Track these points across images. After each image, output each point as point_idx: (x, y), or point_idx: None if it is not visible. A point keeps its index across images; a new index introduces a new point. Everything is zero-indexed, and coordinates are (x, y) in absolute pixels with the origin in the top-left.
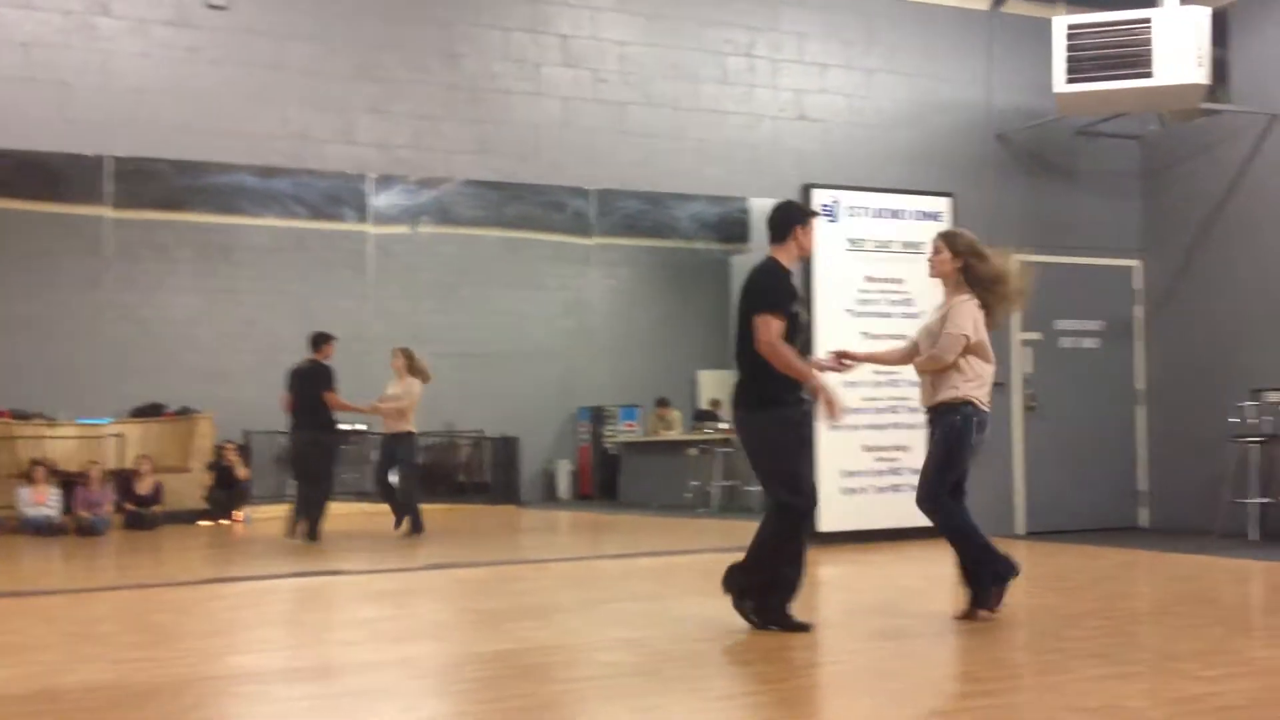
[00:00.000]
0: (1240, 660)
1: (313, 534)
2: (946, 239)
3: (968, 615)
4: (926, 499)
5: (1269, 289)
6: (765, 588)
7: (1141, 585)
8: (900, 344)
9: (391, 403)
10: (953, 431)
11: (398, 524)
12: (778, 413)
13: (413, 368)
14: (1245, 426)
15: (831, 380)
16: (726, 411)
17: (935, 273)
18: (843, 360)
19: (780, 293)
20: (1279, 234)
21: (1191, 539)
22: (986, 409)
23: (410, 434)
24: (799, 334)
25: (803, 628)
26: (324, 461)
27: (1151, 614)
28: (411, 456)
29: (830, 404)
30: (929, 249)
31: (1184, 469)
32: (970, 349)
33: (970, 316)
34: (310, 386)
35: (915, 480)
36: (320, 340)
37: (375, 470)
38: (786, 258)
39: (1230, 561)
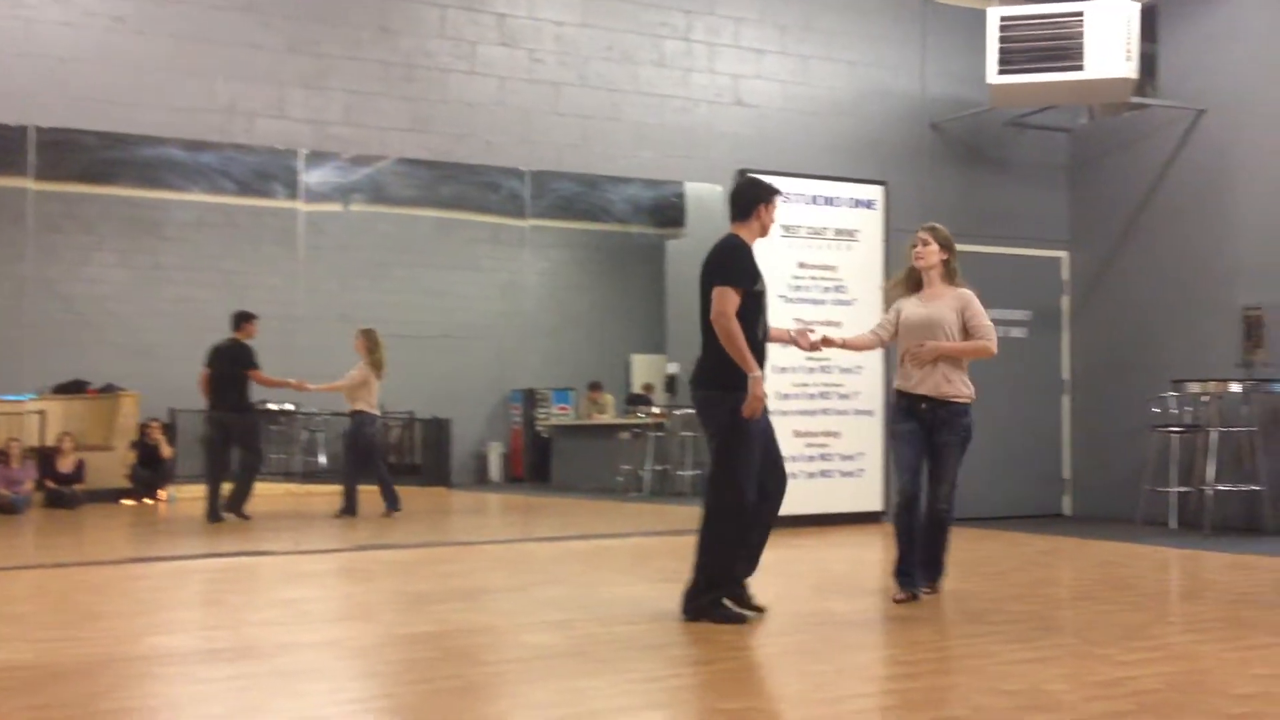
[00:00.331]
0: (1158, 645)
1: (235, 511)
2: (933, 232)
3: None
4: (951, 499)
5: (1191, 282)
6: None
7: (1064, 572)
8: (866, 332)
9: (331, 384)
10: (968, 433)
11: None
12: (731, 395)
13: (371, 350)
14: (1166, 417)
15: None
16: (661, 397)
17: (924, 264)
18: (815, 344)
19: (740, 267)
20: (1202, 228)
21: (1113, 526)
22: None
23: (356, 414)
24: (762, 313)
25: (740, 619)
26: (247, 440)
27: (1073, 600)
28: (354, 437)
29: (755, 400)
30: (915, 239)
31: (1107, 458)
32: None
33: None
34: (229, 365)
35: (845, 466)
36: (242, 319)
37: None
38: (749, 235)
39: (1150, 549)
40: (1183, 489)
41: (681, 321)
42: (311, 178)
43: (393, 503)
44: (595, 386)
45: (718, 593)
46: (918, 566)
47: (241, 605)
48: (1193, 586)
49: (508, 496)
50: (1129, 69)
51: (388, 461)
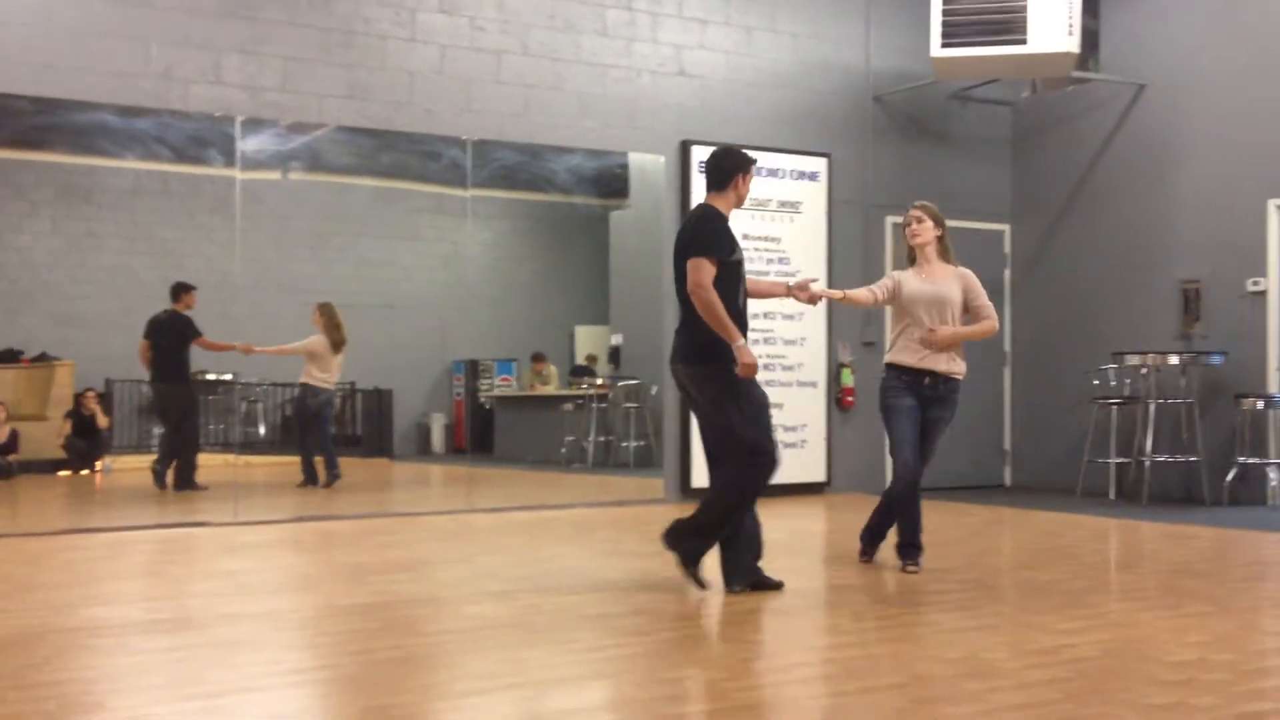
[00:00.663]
0: (1095, 614)
1: (187, 483)
2: (925, 209)
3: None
4: (921, 472)
5: (1130, 256)
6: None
7: (1004, 541)
8: (865, 289)
9: (279, 348)
10: (956, 408)
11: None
12: (725, 367)
13: (327, 325)
14: (1106, 389)
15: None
16: (604, 368)
17: (920, 241)
18: (816, 296)
19: (715, 237)
20: (1141, 202)
21: (1054, 497)
22: None
23: (303, 385)
24: (740, 282)
25: (701, 583)
26: (187, 410)
27: (1013, 569)
28: (299, 407)
29: (749, 366)
30: (909, 218)
31: (1047, 429)
32: None
33: None
34: (167, 337)
35: (788, 438)
36: (180, 290)
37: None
38: (724, 205)
39: (1089, 519)
40: (1122, 460)
41: (625, 293)
42: (248, 145)
43: (333, 471)
44: (538, 358)
45: (704, 542)
46: (904, 548)
47: (180, 576)
48: (1131, 556)
49: (450, 468)
50: (1071, 43)
51: (330, 435)
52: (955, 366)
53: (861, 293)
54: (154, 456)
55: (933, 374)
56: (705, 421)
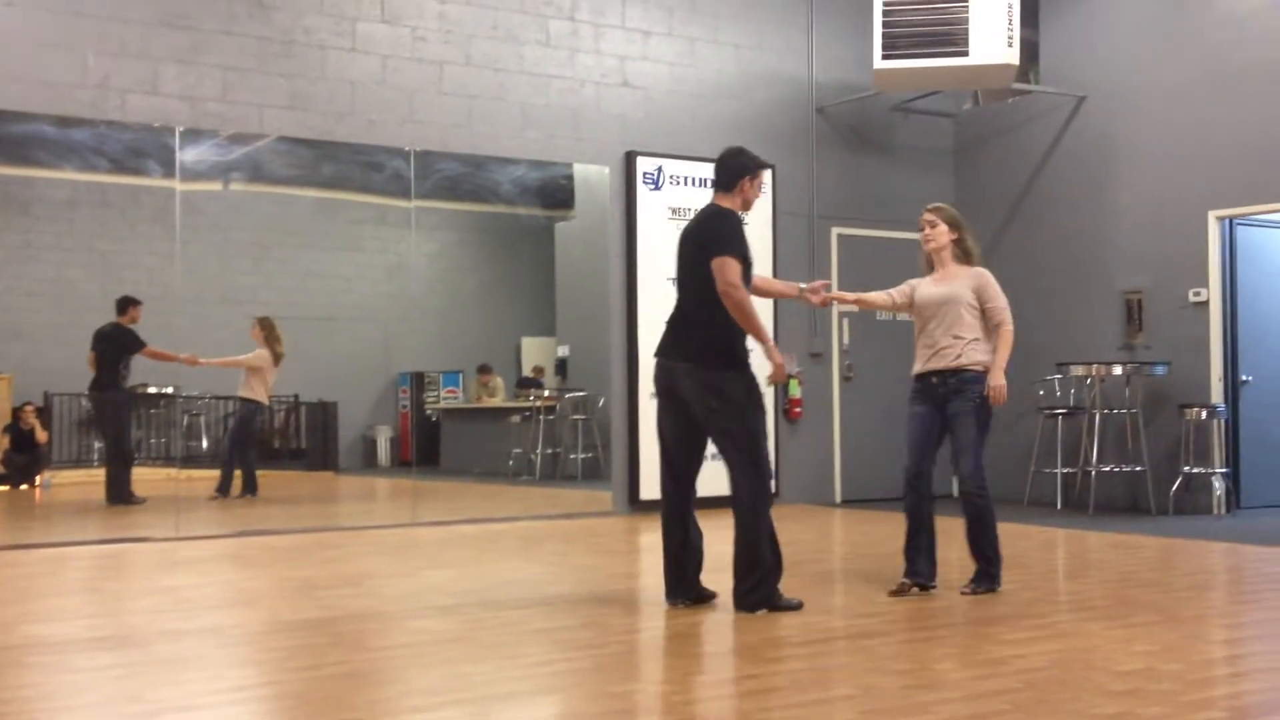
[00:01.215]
0: (1044, 624)
1: (121, 497)
2: (939, 211)
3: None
4: (979, 478)
5: (1073, 267)
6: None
7: (951, 552)
8: (882, 293)
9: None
10: (985, 401)
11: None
12: (745, 373)
13: (269, 339)
14: (1051, 399)
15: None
16: (551, 380)
17: (933, 246)
18: (828, 299)
19: (738, 236)
20: (1084, 213)
21: (1000, 507)
22: None
23: (248, 400)
24: (748, 284)
25: (794, 605)
26: (118, 423)
27: (961, 580)
28: (237, 420)
29: (779, 368)
30: (921, 222)
31: (994, 439)
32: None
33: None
34: (107, 349)
35: None
36: (126, 304)
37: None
38: (731, 208)
39: (1036, 529)
40: (1068, 470)
41: (571, 304)
42: (187, 156)
43: (254, 486)
44: (485, 369)
45: (777, 576)
46: (923, 556)
47: (120, 592)
48: (1078, 566)
49: (396, 481)
50: (1011, 55)
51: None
52: (963, 360)
53: (878, 296)
54: (95, 470)
55: (938, 372)
56: (714, 429)
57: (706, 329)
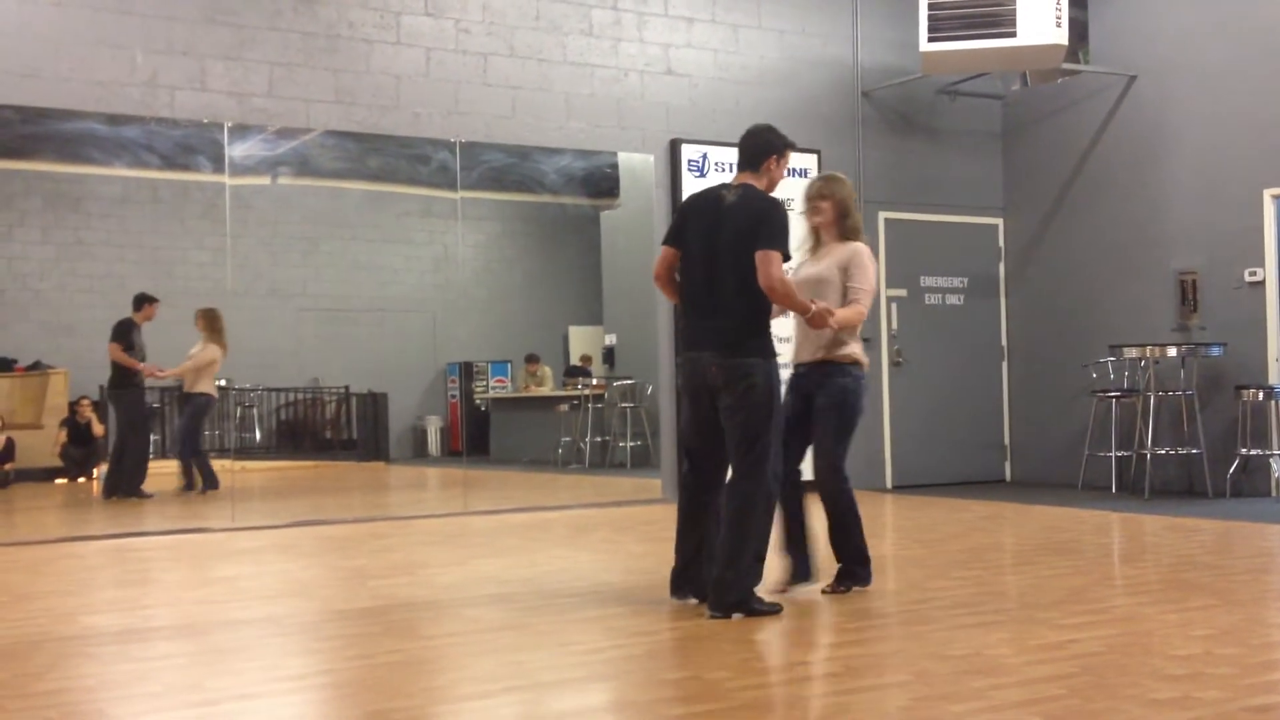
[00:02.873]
0: (1099, 609)
1: (116, 489)
2: (830, 182)
3: (838, 589)
4: (833, 471)
5: (1126, 247)
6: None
7: (1005, 537)
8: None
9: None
10: (849, 394)
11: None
12: (773, 363)
13: (215, 329)
14: (1104, 381)
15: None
16: (599, 368)
17: (818, 222)
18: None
19: (785, 230)
20: (1135, 193)
21: (1054, 491)
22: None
23: (192, 395)
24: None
25: (774, 609)
26: (129, 417)
27: (1015, 565)
28: (188, 415)
29: (820, 312)
30: (807, 193)
31: (1047, 423)
32: None
33: (873, 265)
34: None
35: None
36: (140, 301)
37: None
38: (762, 188)
39: (1091, 513)
40: (1122, 453)
41: (618, 293)
42: (236, 151)
43: (210, 481)
44: (532, 359)
45: (754, 580)
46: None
47: (178, 583)
48: (1134, 550)
49: (446, 470)
50: (1060, 35)
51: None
52: (807, 350)
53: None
54: (153, 462)
55: (806, 364)
56: (740, 421)
57: (743, 318)
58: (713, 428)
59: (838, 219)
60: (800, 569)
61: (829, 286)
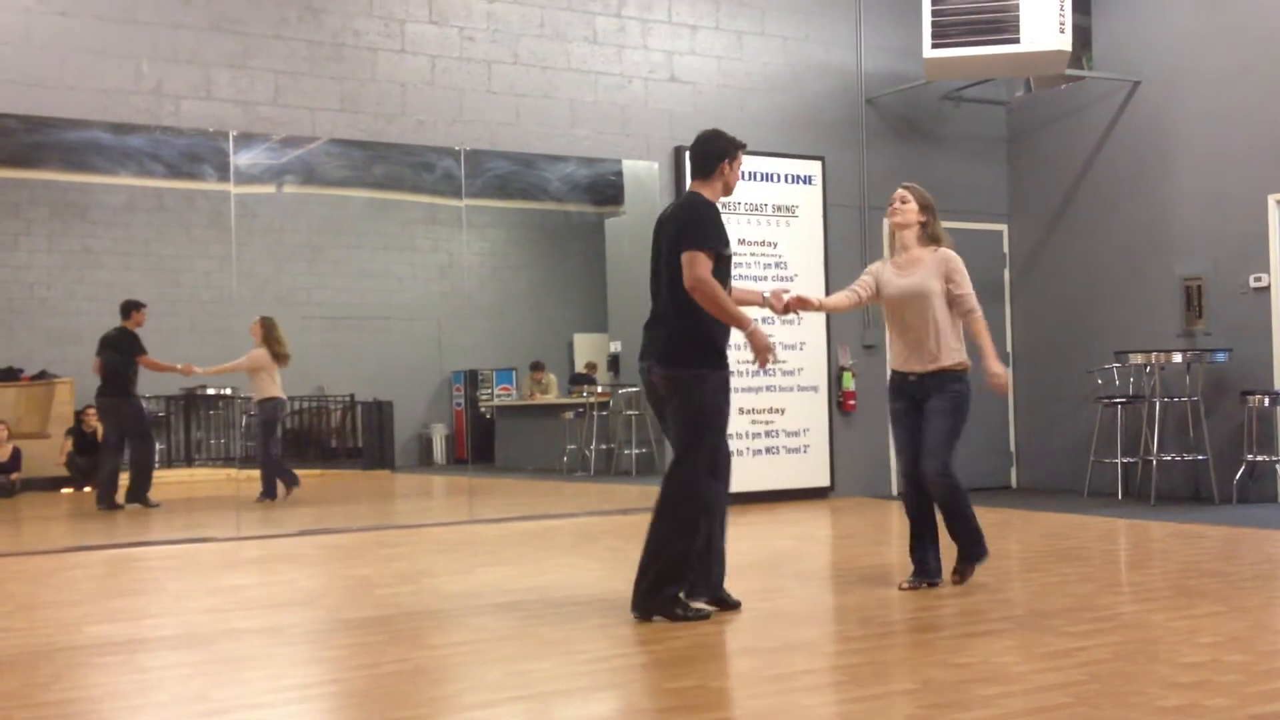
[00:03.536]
0: (1106, 616)
1: (140, 499)
2: (913, 191)
3: (961, 576)
4: (944, 471)
5: (1131, 253)
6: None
7: (1012, 544)
8: (843, 291)
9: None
10: (962, 399)
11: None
12: (720, 375)
13: (267, 338)
14: (1110, 388)
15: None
16: (604, 376)
17: (898, 221)
18: (790, 305)
19: (712, 228)
20: (1140, 199)
21: (1060, 498)
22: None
23: (263, 400)
24: (729, 279)
25: (702, 615)
26: (135, 426)
27: (1021, 572)
28: (259, 423)
29: (764, 349)
30: (893, 196)
31: (1052, 430)
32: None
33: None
34: (112, 353)
35: (790, 443)
36: (131, 308)
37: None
38: (711, 194)
39: (1097, 520)
40: (1128, 459)
41: (623, 300)
42: (241, 160)
43: (291, 481)
44: (537, 366)
45: (675, 587)
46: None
47: (184, 592)
48: (1140, 556)
49: (452, 478)
50: (1063, 41)
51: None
52: (940, 363)
53: (840, 298)
54: (158, 472)
55: (917, 373)
56: (676, 426)
57: (677, 324)
58: None
59: (920, 223)
60: (927, 568)
61: (934, 298)
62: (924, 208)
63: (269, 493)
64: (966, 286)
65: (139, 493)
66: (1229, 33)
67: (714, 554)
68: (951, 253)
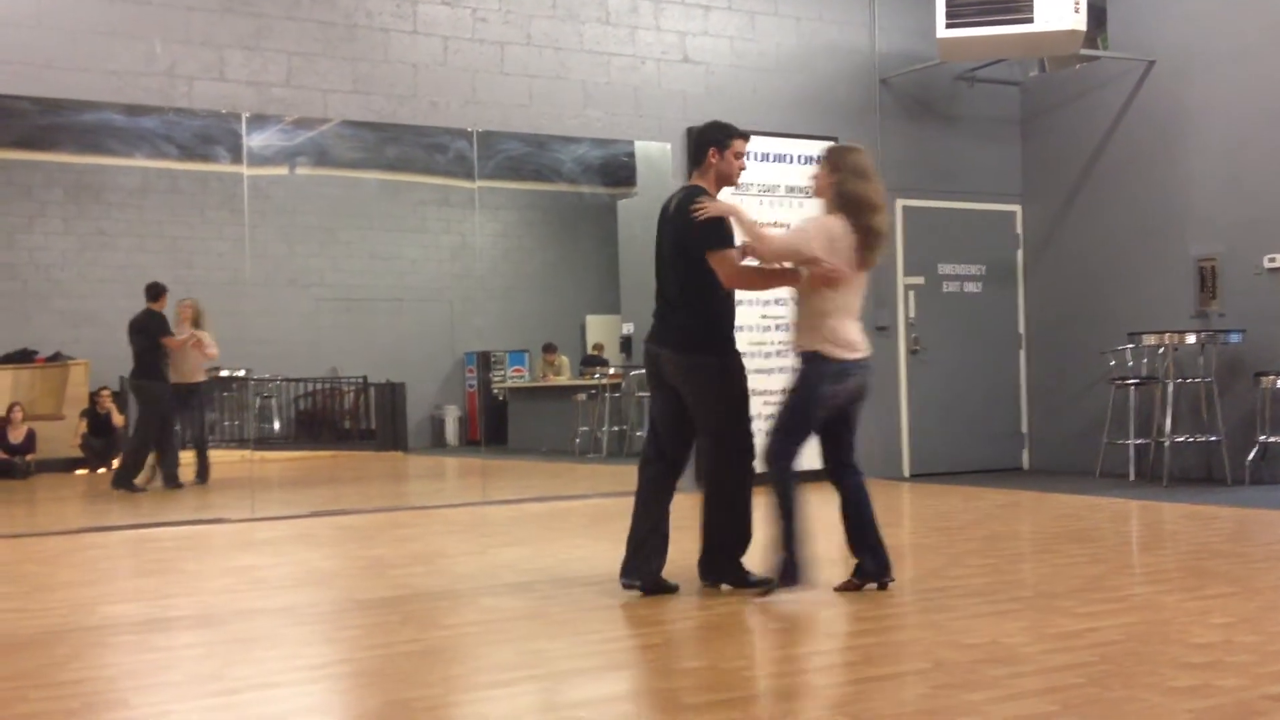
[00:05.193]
0: (1117, 597)
1: (123, 481)
2: (829, 153)
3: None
4: (769, 457)
5: (1144, 234)
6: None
7: (1023, 525)
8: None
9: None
10: (804, 383)
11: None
12: (736, 359)
13: (197, 322)
14: (1122, 369)
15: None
16: (616, 357)
17: (814, 191)
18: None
19: (720, 223)
20: (1154, 179)
21: (1072, 479)
22: (847, 357)
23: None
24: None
25: (670, 588)
26: (156, 409)
27: (1032, 553)
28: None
29: (827, 275)
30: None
31: (1064, 411)
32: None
33: (826, 233)
34: (138, 336)
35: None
36: (157, 291)
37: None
38: (706, 184)
39: (1109, 501)
40: (1140, 441)
41: (635, 282)
42: (254, 141)
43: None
44: (550, 348)
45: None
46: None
47: (198, 573)
48: (1152, 537)
49: (464, 460)
50: (1078, 21)
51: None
52: (797, 343)
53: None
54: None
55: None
56: (701, 416)
57: (689, 313)
58: (676, 416)
59: (827, 187)
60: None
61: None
62: (835, 169)
63: (201, 476)
64: (789, 236)
65: (131, 474)
66: (1244, 13)
67: (737, 536)
68: (827, 217)
